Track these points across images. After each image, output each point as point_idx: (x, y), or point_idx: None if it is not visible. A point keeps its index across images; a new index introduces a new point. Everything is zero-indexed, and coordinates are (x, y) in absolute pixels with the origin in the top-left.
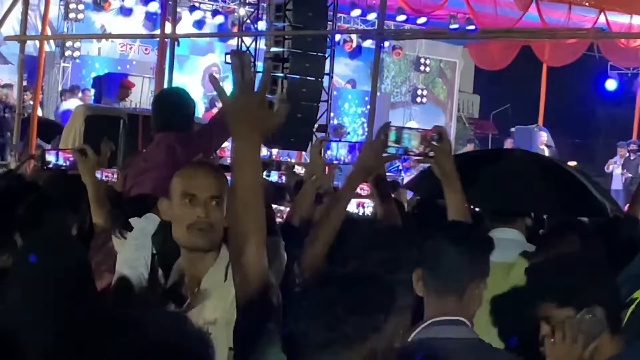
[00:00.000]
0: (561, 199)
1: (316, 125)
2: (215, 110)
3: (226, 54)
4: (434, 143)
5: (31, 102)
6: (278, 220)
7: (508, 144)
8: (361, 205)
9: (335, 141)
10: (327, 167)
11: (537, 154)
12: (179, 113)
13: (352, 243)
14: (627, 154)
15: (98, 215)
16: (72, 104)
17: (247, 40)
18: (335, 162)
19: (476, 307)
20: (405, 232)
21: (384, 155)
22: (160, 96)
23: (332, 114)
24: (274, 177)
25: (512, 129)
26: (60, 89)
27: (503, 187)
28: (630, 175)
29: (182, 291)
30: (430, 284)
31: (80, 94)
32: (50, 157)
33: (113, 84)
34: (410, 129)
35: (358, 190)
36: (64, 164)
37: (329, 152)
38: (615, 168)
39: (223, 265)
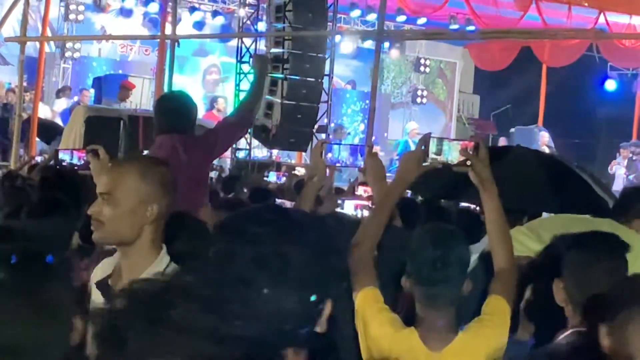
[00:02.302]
0: (562, 196)
1: (316, 126)
2: (215, 112)
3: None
4: (470, 152)
5: (31, 104)
6: None
7: (501, 142)
8: (359, 207)
9: (337, 144)
10: (328, 169)
11: (537, 150)
12: (181, 116)
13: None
14: (630, 155)
15: None
16: (60, 103)
17: (247, 41)
18: (337, 164)
19: None
20: (452, 232)
21: (424, 164)
22: (163, 99)
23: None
24: (272, 177)
25: (512, 130)
26: None
27: (504, 185)
28: (633, 176)
29: (109, 283)
30: (575, 295)
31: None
32: (65, 156)
33: (113, 85)
34: (450, 140)
35: (362, 193)
36: (78, 163)
37: (329, 154)
38: (618, 169)
39: (165, 264)
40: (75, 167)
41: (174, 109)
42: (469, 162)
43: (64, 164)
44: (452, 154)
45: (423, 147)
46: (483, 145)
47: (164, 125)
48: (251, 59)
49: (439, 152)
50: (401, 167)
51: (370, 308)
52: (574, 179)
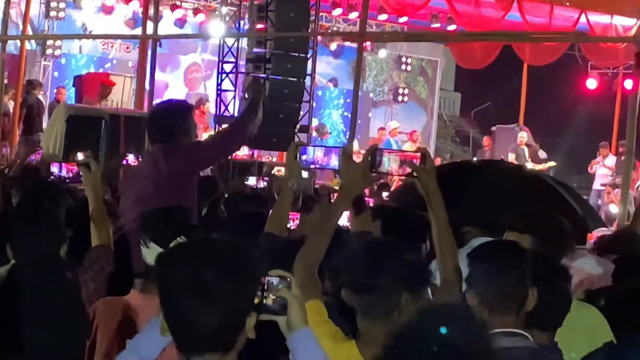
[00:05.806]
0: (542, 213)
1: (298, 126)
2: (198, 112)
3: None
4: (417, 164)
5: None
6: None
7: (485, 140)
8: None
9: (311, 146)
10: (302, 171)
11: (519, 165)
12: (160, 126)
13: (337, 254)
14: (610, 154)
15: (98, 228)
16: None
17: (229, 40)
18: (311, 165)
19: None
20: (387, 242)
21: (371, 175)
22: (151, 110)
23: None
24: (252, 181)
25: (493, 128)
26: None
27: (483, 200)
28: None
29: None
30: (488, 302)
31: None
32: (54, 169)
33: (94, 83)
34: (390, 151)
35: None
36: (67, 176)
37: (304, 156)
38: (598, 168)
39: None
40: (67, 180)
41: (154, 120)
42: (415, 174)
43: (52, 176)
44: (391, 165)
45: (369, 159)
46: (429, 156)
47: (149, 136)
48: (246, 85)
49: (378, 164)
50: (346, 180)
51: (311, 321)
52: (554, 196)
